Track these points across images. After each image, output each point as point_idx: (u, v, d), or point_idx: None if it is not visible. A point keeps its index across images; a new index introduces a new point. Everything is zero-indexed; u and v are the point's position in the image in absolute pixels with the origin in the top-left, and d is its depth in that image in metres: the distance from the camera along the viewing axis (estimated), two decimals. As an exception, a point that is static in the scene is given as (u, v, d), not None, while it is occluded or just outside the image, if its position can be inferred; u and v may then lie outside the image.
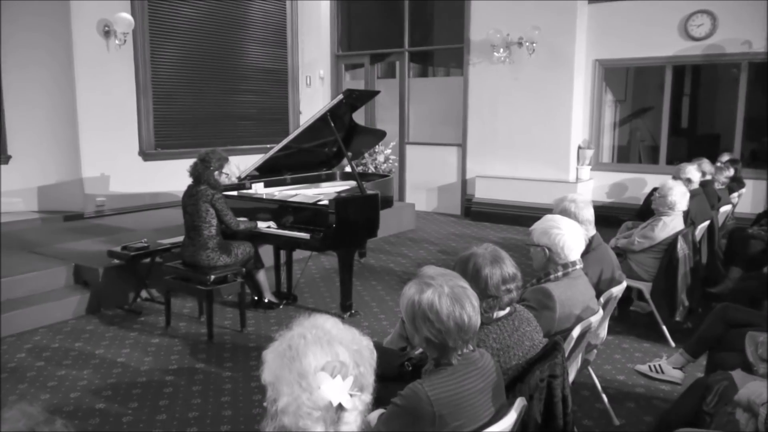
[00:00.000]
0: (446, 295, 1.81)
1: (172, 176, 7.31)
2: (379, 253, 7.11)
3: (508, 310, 2.27)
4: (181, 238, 4.87)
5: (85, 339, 4.52)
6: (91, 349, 4.34)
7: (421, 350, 2.37)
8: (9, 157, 7.04)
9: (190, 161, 4.62)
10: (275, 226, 4.87)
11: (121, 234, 6.26)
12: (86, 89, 7.10)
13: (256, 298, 5.13)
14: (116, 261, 5.13)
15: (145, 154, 7.73)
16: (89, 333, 4.64)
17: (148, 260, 5.11)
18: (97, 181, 7.32)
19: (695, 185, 5.30)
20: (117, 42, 7.25)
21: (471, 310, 1.82)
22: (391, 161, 8.67)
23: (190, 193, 4.54)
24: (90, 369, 4.00)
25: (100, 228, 6.65)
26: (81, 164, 7.16)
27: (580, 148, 8.60)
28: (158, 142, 7.86)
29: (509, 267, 2.26)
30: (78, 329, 4.72)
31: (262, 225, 4.84)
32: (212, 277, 4.43)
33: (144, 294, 5.28)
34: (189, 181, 4.59)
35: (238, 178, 5.55)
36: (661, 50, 7.95)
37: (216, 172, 4.53)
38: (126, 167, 7.53)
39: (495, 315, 2.24)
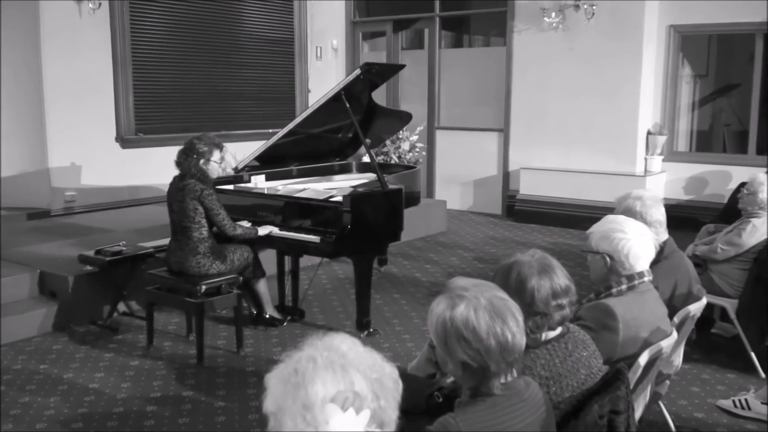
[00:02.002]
0: (483, 308, 1.81)
1: (156, 166, 7.39)
2: (403, 259, 7.11)
3: (559, 330, 2.26)
4: (166, 241, 4.92)
5: (52, 360, 4.59)
6: (59, 372, 4.40)
7: (453, 378, 2.37)
8: (-38, 144, 7.17)
9: (178, 149, 4.66)
10: (277, 230, 4.89)
11: (94, 235, 6.34)
12: (54, 62, 7.20)
13: (255, 312, 5.17)
14: (88, 267, 5.20)
15: (124, 140, 7.83)
16: (57, 353, 4.71)
17: (126, 267, 5.17)
18: (67, 171, 7.42)
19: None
20: (91, 5, 7.35)
21: (514, 326, 1.82)
22: (417, 150, 8.67)
23: (177, 187, 4.59)
24: (58, 396, 4.06)
25: (70, 228, 6.75)
26: (47, 152, 7.27)
27: (649, 133, 8.51)
28: (139, 126, 7.96)
29: (561, 278, 2.24)
30: (44, 348, 4.79)
31: (264, 231, 4.84)
32: (203, 287, 4.47)
33: (122, 307, 5.34)
34: (176, 172, 4.64)
35: (235, 169, 5.59)
36: (751, 15, 7.83)
37: (202, 161, 4.56)
38: (101, 155, 7.63)
39: (544, 336, 2.23)
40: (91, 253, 5.16)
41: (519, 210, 9.00)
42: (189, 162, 4.54)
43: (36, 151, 7.31)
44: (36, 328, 5.02)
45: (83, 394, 4.08)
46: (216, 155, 4.64)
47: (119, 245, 5.21)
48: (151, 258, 5.23)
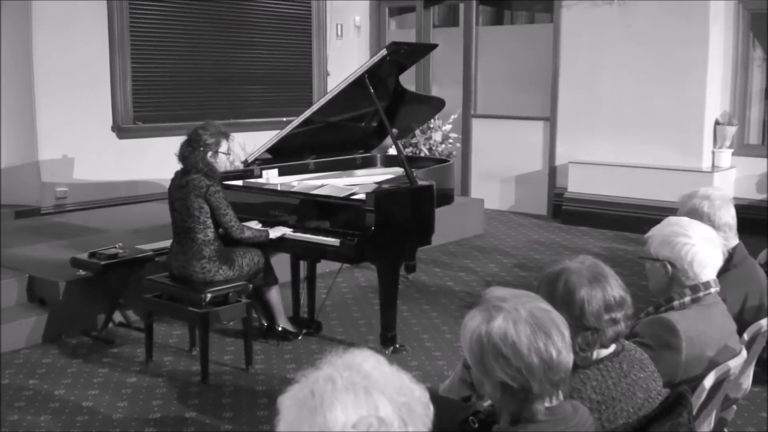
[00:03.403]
0: (524, 320, 1.81)
1: (157, 159, 7.44)
2: (434, 266, 7.11)
3: (613, 348, 2.25)
4: (167, 243, 4.96)
5: (42, 375, 4.65)
6: (50, 388, 4.46)
7: (490, 402, 2.36)
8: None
9: (180, 140, 4.70)
10: (290, 231, 4.91)
11: (88, 236, 6.41)
12: (45, 44, 7.28)
13: (266, 325, 5.19)
14: (82, 272, 5.26)
15: (121, 130, 7.90)
16: (47, 367, 4.77)
17: (123, 272, 5.22)
18: (58, 165, 7.52)
19: None
20: (86, -20, 7.42)
21: (560, 341, 1.81)
22: (451, 141, 8.65)
23: (179, 183, 4.62)
24: (48, 414, 4.12)
25: (62, 227, 6.84)
26: (37, 143, 7.35)
27: (717, 123, 8.42)
28: (138, 114, 8.03)
29: (615, 288, 2.23)
30: (33, 362, 4.85)
31: (276, 233, 4.86)
32: (209, 295, 4.50)
33: (118, 317, 5.39)
34: (178, 166, 4.68)
35: (244, 162, 5.62)
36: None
37: (210, 154, 4.59)
38: (96, 147, 7.71)
39: (595, 355, 2.22)
40: (84, 256, 5.22)
41: (567, 210, 8.95)
42: (196, 156, 4.56)
43: (24, 142, 7.39)
44: (24, 339, 5.08)
45: (76, 413, 4.13)
46: (224, 146, 4.67)
47: (115, 248, 5.25)
48: (151, 262, 5.27)
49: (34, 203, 7.42)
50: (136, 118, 8.01)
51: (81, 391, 4.42)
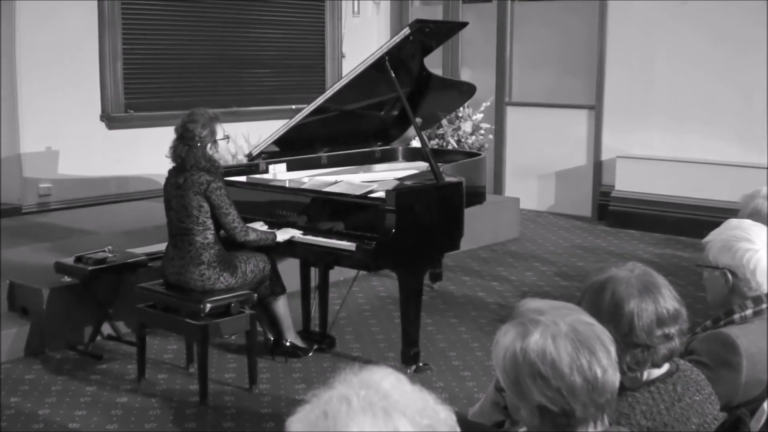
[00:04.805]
0: (564, 335, 1.80)
1: (150, 152, 7.46)
2: (463, 274, 7.11)
3: (666, 368, 2.25)
4: (162, 247, 4.99)
5: (24, 393, 4.69)
6: (33, 407, 4.50)
7: (527, 428, 2.37)
8: None
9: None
10: (300, 233, 4.92)
11: (74, 238, 6.46)
12: (28, 23, 7.33)
13: (272, 339, 5.21)
14: (67, 278, 5.31)
15: (111, 119, 7.96)
16: (29, 384, 4.82)
17: (113, 278, 5.25)
18: (42, 158, 7.57)
19: None
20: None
21: (605, 358, 1.81)
22: (482, 132, 8.65)
23: (175, 182, 4.65)
24: (29, 438, 4.16)
25: (45, 228, 6.89)
26: (19, 134, 7.41)
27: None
28: (130, 101, 8.08)
29: (669, 300, 2.23)
30: (14, 378, 4.89)
31: (284, 236, 4.87)
32: (208, 306, 4.52)
33: (106, 329, 5.41)
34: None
35: (249, 155, 5.64)
36: None
37: (209, 146, 4.62)
38: (83, 138, 7.77)
39: (646, 375, 2.22)
40: (70, 260, 5.26)
41: (614, 211, 8.93)
42: (195, 154, 4.56)
43: (4, 132, 7.42)
44: (5, 352, 5.11)
45: (60, 437, 4.17)
46: (220, 132, 4.69)
47: (104, 251, 5.29)
48: (144, 268, 5.31)
49: (14, 201, 7.47)
50: (128, 105, 8.06)
51: (67, 411, 4.46)
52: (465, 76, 9.92)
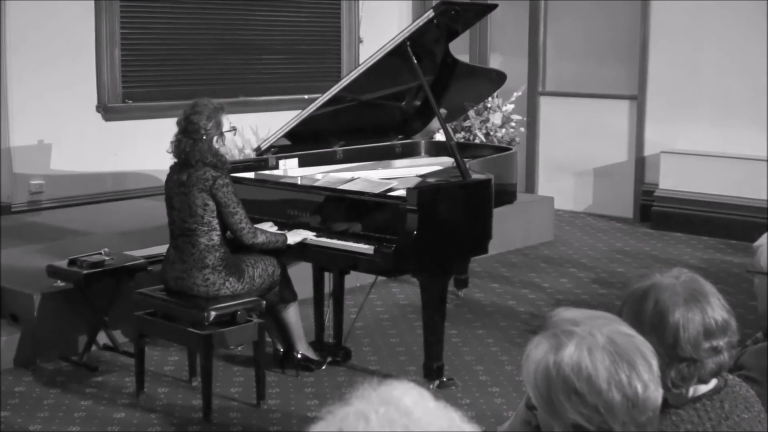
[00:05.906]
0: (601, 348, 1.80)
1: (149, 145, 7.53)
2: (491, 281, 7.11)
3: (713, 383, 2.25)
4: (163, 249, 5.01)
5: (14, 406, 4.72)
6: (24, 422, 4.52)
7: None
8: None
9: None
10: (313, 235, 4.92)
11: (67, 239, 6.50)
12: (18, 4, 7.34)
13: (282, 351, 5.22)
14: (60, 283, 5.33)
15: (108, 110, 7.99)
16: (20, 397, 4.84)
17: (109, 283, 5.26)
18: (33, 153, 7.62)
19: None
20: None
21: (646, 373, 1.81)
22: (513, 125, 8.64)
23: (178, 179, 4.66)
24: (18, 456, 4.21)
25: (36, 228, 6.93)
26: (8, 126, 7.44)
27: None
28: (128, 91, 8.11)
29: (717, 310, 2.22)
30: (3, 390, 4.91)
31: (295, 238, 4.87)
32: (212, 313, 4.53)
33: (102, 339, 5.44)
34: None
35: (257, 150, 5.66)
36: None
37: (215, 139, 4.63)
38: (77, 131, 7.80)
39: (691, 392, 2.22)
40: (63, 263, 5.28)
41: (658, 212, 8.90)
42: (201, 148, 4.57)
43: (-9, 124, 7.48)
44: (-7, 363, 5.17)
45: (52, 456, 4.21)
46: (226, 123, 4.70)
47: (100, 254, 5.30)
48: (143, 272, 5.33)
49: (3, 199, 7.49)
50: (126, 95, 8.09)
51: (60, 426, 4.48)
52: (494, 63, 9.92)
